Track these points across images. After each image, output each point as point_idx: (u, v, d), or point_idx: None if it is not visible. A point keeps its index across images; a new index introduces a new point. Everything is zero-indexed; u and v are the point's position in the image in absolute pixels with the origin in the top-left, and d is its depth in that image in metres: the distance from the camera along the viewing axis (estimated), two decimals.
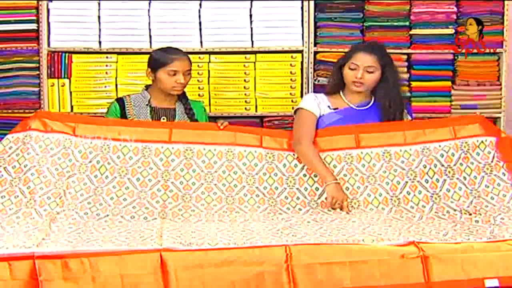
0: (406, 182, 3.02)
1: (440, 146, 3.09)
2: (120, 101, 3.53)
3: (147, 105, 3.49)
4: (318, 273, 2.32)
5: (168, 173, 3.02)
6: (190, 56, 3.59)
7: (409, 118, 3.45)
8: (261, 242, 2.43)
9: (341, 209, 2.96)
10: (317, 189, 3.03)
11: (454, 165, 3.05)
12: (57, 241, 2.47)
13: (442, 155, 3.06)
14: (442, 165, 3.05)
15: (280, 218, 2.87)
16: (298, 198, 3.01)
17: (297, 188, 3.03)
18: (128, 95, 3.58)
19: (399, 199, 2.99)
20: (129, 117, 3.45)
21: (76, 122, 3.10)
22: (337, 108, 3.37)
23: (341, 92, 3.43)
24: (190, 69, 3.53)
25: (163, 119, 3.47)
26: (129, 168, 3.01)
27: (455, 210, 2.92)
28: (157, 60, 3.49)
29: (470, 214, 2.87)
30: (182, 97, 3.57)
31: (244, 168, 3.06)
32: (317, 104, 3.37)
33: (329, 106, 3.38)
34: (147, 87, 3.59)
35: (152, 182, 2.99)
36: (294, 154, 3.11)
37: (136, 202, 2.92)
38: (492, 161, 3.03)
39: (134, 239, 2.50)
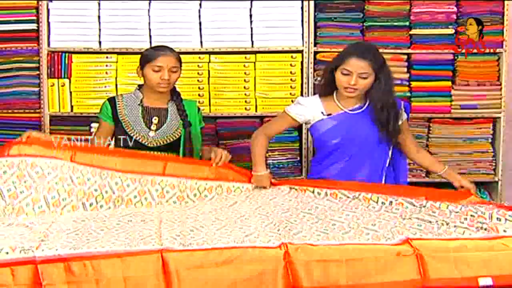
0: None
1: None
2: (112, 100, 3.46)
3: (139, 104, 3.43)
4: (314, 271, 2.32)
5: (162, 204, 3.08)
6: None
7: (405, 116, 3.39)
8: (260, 240, 2.44)
9: None
10: None
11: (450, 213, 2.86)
12: (56, 242, 2.46)
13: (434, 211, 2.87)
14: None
15: (276, 211, 2.86)
16: None
17: None
18: (121, 95, 3.51)
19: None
20: (121, 116, 3.38)
21: (74, 150, 3.08)
22: (330, 114, 3.31)
23: (334, 95, 3.33)
24: (178, 67, 3.41)
25: (155, 119, 3.42)
26: (125, 197, 3.05)
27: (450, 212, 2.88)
28: (144, 56, 3.43)
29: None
30: (176, 97, 3.49)
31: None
32: (306, 112, 3.33)
33: (322, 112, 3.31)
34: (139, 86, 3.50)
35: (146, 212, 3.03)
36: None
37: (132, 213, 2.94)
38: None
39: (134, 238, 2.51)
